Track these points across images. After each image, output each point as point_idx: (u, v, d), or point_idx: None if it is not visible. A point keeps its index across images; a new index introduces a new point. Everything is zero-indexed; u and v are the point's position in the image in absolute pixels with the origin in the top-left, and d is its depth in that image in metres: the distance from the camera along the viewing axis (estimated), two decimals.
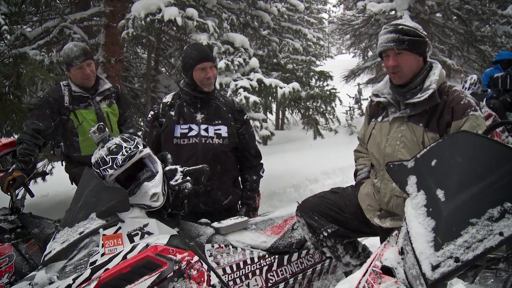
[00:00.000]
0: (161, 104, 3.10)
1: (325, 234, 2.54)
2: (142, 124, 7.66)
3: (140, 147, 2.28)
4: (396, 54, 2.31)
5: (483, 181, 1.44)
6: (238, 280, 2.44)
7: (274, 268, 2.60)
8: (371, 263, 1.68)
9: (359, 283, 1.61)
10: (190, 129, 2.99)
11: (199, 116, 3.03)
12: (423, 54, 2.36)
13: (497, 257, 1.49)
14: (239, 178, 3.29)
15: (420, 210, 1.56)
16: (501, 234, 1.32)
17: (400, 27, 2.31)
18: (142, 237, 2.14)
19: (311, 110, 7.52)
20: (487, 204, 1.39)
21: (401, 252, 1.62)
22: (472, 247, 1.34)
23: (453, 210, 1.44)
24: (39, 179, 5.89)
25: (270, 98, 5.90)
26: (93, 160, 2.28)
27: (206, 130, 3.01)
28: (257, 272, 2.53)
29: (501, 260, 1.49)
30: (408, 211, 1.61)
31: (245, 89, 5.24)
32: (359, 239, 2.78)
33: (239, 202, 3.28)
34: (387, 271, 1.61)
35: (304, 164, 7.83)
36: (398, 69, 2.32)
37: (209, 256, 2.39)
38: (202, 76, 2.94)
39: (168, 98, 3.13)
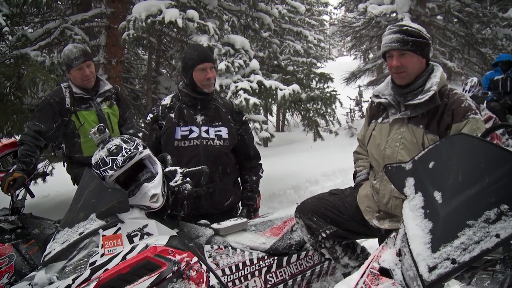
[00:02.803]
0: (160, 107, 3.10)
1: (324, 235, 2.54)
2: (143, 125, 7.67)
3: (140, 148, 2.29)
4: (400, 54, 2.32)
5: (480, 183, 1.45)
6: (237, 281, 2.44)
7: (273, 269, 2.61)
8: (369, 264, 1.69)
9: (357, 284, 1.62)
10: (191, 131, 2.99)
11: (199, 118, 3.03)
12: (426, 56, 2.37)
13: (493, 259, 1.50)
14: (239, 179, 3.30)
15: (417, 212, 1.56)
16: (497, 236, 1.33)
17: (405, 28, 2.32)
18: (141, 238, 2.15)
19: (311, 112, 7.53)
20: (484, 206, 1.40)
21: (399, 253, 1.63)
22: (468, 248, 1.34)
23: (450, 212, 1.45)
24: (39, 180, 5.90)
25: (270, 100, 5.91)
26: (93, 161, 2.29)
27: (207, 131, 3.01)
28: (256, 273, 2.53)
29: (498, 262, 1.50)
30: (406, 213, 1.62)
31: (245, 91, 5.24)
32: (357, 241, 2.79)
33: (239, 203, 3.29)
34: (385, 272, 1.62)
35: (304, 166, 7.85)
36: (402, 69, 2.33)
37: (209, 257, 2.40)
38: (202, 76, 2.94)
39: (167, 100, 3.13)
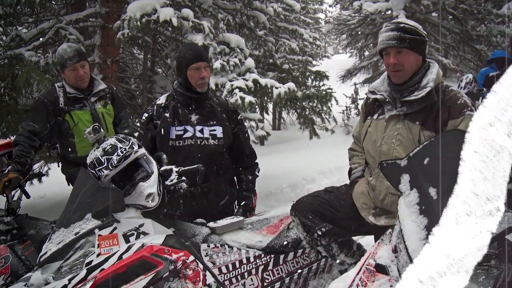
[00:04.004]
0: (155, 106, 3.09)
1: (320, 233, 2.55)
2: (138, 125, 7.65)
3: (135, 148, 2.29)
4: (397, 52, 2.32)
5: None
6: (234, 280, 2.44)
7: (270, 267, 2.61)
8: (365, 261, 1.70)
9: (353, 281, 1.63)
10: (185, 131, 2.99)
11: (193, 117, 3.03)
12: (422, 53, 2.38)
13: (488, 254, 1.50)
14: (235, 178, 3.29)
15: (413, 208, 1.57)
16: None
17: (402, 25, 2.32)
18: (137, 237, 2.15)
19: (307, 110, 7.54)
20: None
21: (395, 250, 1.64)
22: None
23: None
24: (35, 181, 5.87)
25: (266, 98, 5.91)
26: (88, 160, 2.29)
27: (201, 131, 3.00)
28: (253, 271, 2.53)
29: (493, 257, 1.50)
30: (401, 209, 1.63)
31: (240, 89, 5.24)
32: (353, 238, 2.79)
33: (236, 202, 3.28)
34: (381, 269, 1.63)
35: (301, 164, 7.85)
36: (399, 67, 2.33)
37: (205, 256, 2.40)
38: (197, 76, 2.94)
39: (162, 100, 3.12)
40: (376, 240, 2.36)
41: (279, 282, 2.62)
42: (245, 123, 3.80)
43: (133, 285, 1.96)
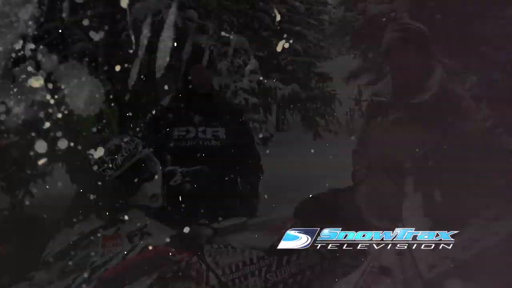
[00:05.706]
0: (159, 106, 3.10)
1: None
2: (142, 125, 7.65)
3: (140, 148, 2.30)
4: (401, 53, 2.31)
5: (480, 181, 1.46)
6: (237, 281, 2.44)
7: (273, 268, 2.60)
8: (369, 263, 1.70)
9: (357, 283, 1.62)
10: (188, 132, 2.99)
11: (196, 118, 3.03)
12: (426, 55, 2.37)
13: None
14: (238, 179, 3.29)
15: (417, 211, 1.57)
16: (496, 234, 1.33)
17: (406, 26, 2.32)
18: (141, 238, 2.15)
19: (311, 111, 7.54)
20: (483, 204, 1.40)
21: (399, 252, 1.63)
22: (468, 247, 1.35)
23: (450, 210, 1.45)
24: (39, 180, 5.87)
25: (269, 99, 5.92)
26: (92, 160, 2.29)
27: (204, 132, 3.01)
28: (256, 272, 2.53)
29: None
30: (406, 212, 1.63)
31: (244, 90, 5.25)
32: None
33: (239, 203, 3.28)
34: (385, 271, 1.62)
35: (304, 166, 7.83)
36: (403, 68, 2.33)
37: (208, 257, 2.39)
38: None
39: (165, 100, 3.13)
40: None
41: (282, 284, 2.61)
42: (248, 124, 3.80)
43: (137, 286, 1.96)
